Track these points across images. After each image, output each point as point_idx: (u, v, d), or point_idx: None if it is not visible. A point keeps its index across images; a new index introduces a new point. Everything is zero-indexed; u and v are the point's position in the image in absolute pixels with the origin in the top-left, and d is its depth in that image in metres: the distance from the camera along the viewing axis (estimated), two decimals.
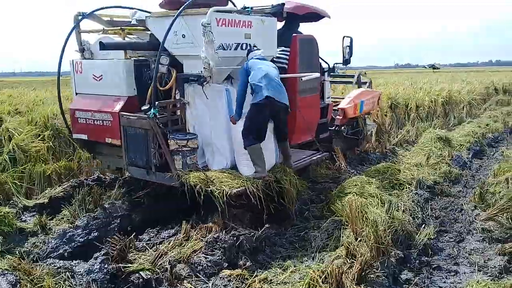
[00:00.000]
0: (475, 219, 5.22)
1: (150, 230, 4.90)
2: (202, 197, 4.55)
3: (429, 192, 6.03)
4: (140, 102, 5.34)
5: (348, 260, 3.78)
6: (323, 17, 7.04)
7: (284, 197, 5.13)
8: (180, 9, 4.95)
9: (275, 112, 5.03)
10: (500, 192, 5.67)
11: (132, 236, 4.24)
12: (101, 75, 5.60)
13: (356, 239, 4.17)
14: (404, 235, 4.49)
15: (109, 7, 6.19)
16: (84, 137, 5.81)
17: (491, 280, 3.80)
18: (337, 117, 7.48)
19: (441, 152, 7.89)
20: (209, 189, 4.58)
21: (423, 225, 4.86)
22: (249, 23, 5.44)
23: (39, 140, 7.50)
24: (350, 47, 7.53)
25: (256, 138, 4.91)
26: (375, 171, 6.52)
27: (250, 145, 4.89)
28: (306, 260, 4.20)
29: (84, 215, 5.07)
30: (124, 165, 5.37)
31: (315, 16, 6.93)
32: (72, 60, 5.93)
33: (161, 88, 5.26)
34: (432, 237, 4.68)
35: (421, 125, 10.96)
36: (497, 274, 3.98)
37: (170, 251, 4.01)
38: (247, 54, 5.27)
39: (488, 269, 4.10)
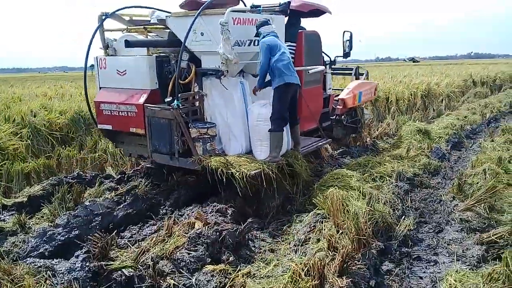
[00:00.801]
0: (454, 210, 5.32)
1: (132, 227, 4.87)
2: (223, 178, 5.06)
3: (409, 184, 6.12)
4: (161, 95, 5.90)
5: (330, 253, 3.82)
6: (324, 12, 7.56)
7: (295, 179, 5.77)
8: (200, 10, 5.44)
9: (291, 96, 5.61)
10: (477, 183, 5.79)
11: (113, 234, 4.20)
12: (125, 70, 6.13)
13: (338, 231, 4.21)
14: (384, 227, 4.56)
15: (129, 7, 6.69)
16: (109, 127, 6.34)
17: (470, 269, 3.89)
18: (338, 107, 8.00)
19: (420, 145, 8.03)
20: (230, 171, 5.11)
21: (403, 217, 4.94)
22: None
23: (17, 138, 7.37)
24: (350, 41, 8.08)
25: (283, 124, 5.56)
26: (356, 164, 6.61)
27: (276, 131, 5.48)
28: (289, 254, 4.23)
29: (64, 213, 4.99)
30: (148, 152, 5.90)
31: (317, 12, 7.45)
32: (96, 57, 6.43)
33: (181, 82, 5.75)
34: (412, 228, 4.77)
35: (401, 118, 11.09)
36: (475, 263, 4.07)
37: (152, 247, 3.99)
38: (259, 27, 5.71)
39: (467, 258, 4.19)
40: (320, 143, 6.81)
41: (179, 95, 5.45)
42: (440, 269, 4.07)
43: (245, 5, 6.50)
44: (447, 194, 5.89)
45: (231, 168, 5.16)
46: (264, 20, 5.77)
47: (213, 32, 5.49)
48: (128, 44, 5.79)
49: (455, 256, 4.24)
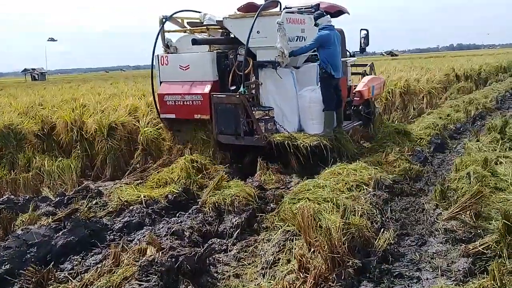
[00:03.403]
0: (437, 219, 5.45)
1: (74, 258, 4.76)
2: (290, 149, 7.27)
3: (388, 192, 6.23)
4: (220, 85, 8.05)
5: (302, 275, 3.86)
6: (344, 13, 9.50)
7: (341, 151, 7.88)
8: (258, 12, 7.49)
9: (335, 84, 7.96)
10: (462, 188, 5.94)
11: (51, 266, 4.11)
12: (188, 65, 8.18)
13: (310, 250, 4.26)
14: (362, 242, 4.61)
15: (182, 11, 9.21)
16: (172, 116, 8.41)
17: (456, 285, 3.99)
18: (355, 98, 9.71)
19: (400, 148, 8.20)
20: (295, 143, 7.26)
21: (382, 230, 5.01)
22: (303, 20, 8.18)
23: None
24: (366, 38, 9.99)
25: (332, 104, 7.83)
26: (330, 173, 6.68)
27: (328, 110, 7.84)
28: (256, 278, 4.24)
29: None
30: (214, 135, 7.98)
31: (339, 12, 9.36)
32: (158, 55, 8.53)
33: (240, 73, 7.77)
34: (392, 242, 4.84)
35: (379, 119, 11.31)
36: (462, 278, 4.16)
37: (97, 280, 3.92)
38: (316, 18, 7.89)
39: (452, 273, 4.29)
40: (355, 124, 9.51)
41: (246, 82, 7.55)
42: (423, 287, 4.15)
43: (280, 8, 8.46)
44: (429, 202, 6.04)
45: (297, 140, 7.28)
46: (320, 12, 7.92)
47: (268, 31, 7.54)
48: (196, 42, 7.90)
49: (439, 271, 4.34)
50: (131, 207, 5.88)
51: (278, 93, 7.88)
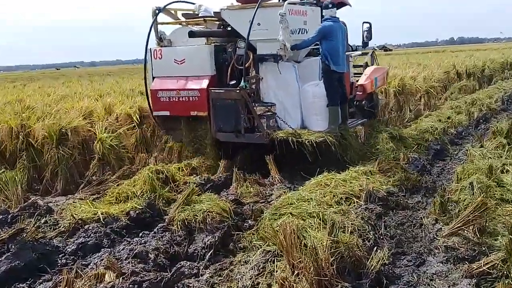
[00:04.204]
0: (437, 235, 5.53)
1: (19, 286, 4.70)
2: (294, 146, 7.78)
3: (381, 205, 6.29)
4: (218, 80, 8.54)
5: None
6: (346, 5, 10.08)
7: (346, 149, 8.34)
8: (258, 3, 7.92)
9: (338, 78, 8.56)
10: (464, 200, 6.04)
11: None
12: (184, 59, 8.65)
13: (293, 272, 4.27)
14: (352, 262, 4.65)
15: (177, 1, 9.63)
16: (166, 113, 8.88)
17: None
18: (358, 93, 10.31)
19: (395, 155, 8.30)
20: (300, 139, 7.79)
21: (376, 248, 5.05)
22: (305, 11, 8.83)
23: None
24: (369, 31, 10.67)
25: (336, 99, 8.43)
26: (316, 184, 6.73)
27: (332, 105, 8.38)
28: None
29: None
30: (213, 132, 8.46)
31: (341, 4, 9.80)
32: (150, 48, 9.01)
33: (239, 67, 8.36)
34: (386, 262, 4.87)
35: (371, 123, 11.43)
36: None
37: None
38: (322, 9, 8.84)
39: None
40: (360, 121, 10.00)
41: (246, 77, 8.10)
42: None
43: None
44: (428, 216, 6.12)
45: (302, 137, 7.81)
46: (326, 4, 8.58)
47: (269, 22, 8.05)
48: (193, 34, 8.38)
49: None
50: (86, 226, 5.82)
51: (280, 88, 8.45)
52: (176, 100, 8.62)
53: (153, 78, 9.12)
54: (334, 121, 8.46)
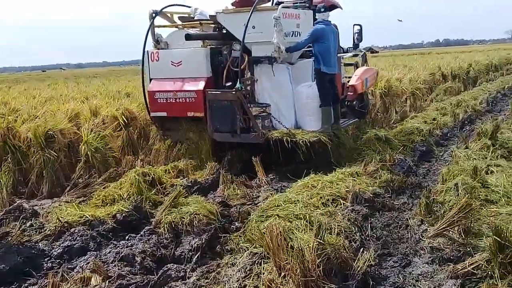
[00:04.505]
0: (422, 236, 5.57)
1: None
2: (289, 145, 8.05)
3: (368, 207, 6.31)
4: (214, 82, 8.87)
5: None
6: (337, 7, 10.24)
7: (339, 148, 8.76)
8: (253, 6, 8.24)
9: (330, 79, 8.94)
10: (449, 201, 6.09)
11: None
12: (180, 61, 8.97)
13: (280, 274, 4.28)
14: (339, 264, 4.66)
15: (173, 5, 9.96)
16: (163, 114, 9.21)
17: None
18: (349, 93, 10.34)
19: (381, 156, 8.34)
20: (294, 139, 8.04)
21: (362, 249, 5.07)
22: (298, 15, 9.16)
23: None
24: (360, 33, 10.91)
25: (328, 100, 8.79)
26: (303, 186, 6.75)
27: (324, 106, 8.75)
28: None
29: None
30: (209, 133, 8.74)
31: (332, 7, 9.92)
32: (147, 51, 9.31)
33: (234, 69, 8.68)
34: (373, 263, 4.89)
35: (357, 124, 11.49)
36: None
37: None
38: (315, 12, 9.20)
39: None
40: (351, 121, 10.40)
41: (242, 78, 8.39)
42: None
43: (272, 3, 9.59)
44: (414, 217, 6.16)
45: (296, 136, 8.07)
46: (319, 7, 8.94)
47: (263, 26, 8.34)
48: (190, 37, 8.66)
49: None
50: (72, 230, 5.78)
51: (274, 90, 8.76)
52: (173, 101, 8.93)
53: (151, 79, 9.39)
54: (327, 121, 8.80)
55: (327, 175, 7.27)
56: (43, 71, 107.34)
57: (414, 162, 8.86)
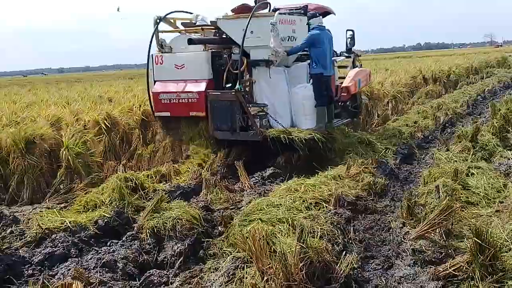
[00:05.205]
0: (404, 238, 5.60)
1: None
2: (286, 142, 8.65)
3: (350, 210, 6.35)
4: (215, 83, 9.40)
5: None
6: (330, 13, 11.36)
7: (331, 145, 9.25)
8: (252, 13, 8.88)
9: (325, 81, 9.53)
10: (431, 203, 6.15)
11: None
12: (183, 64, 9.55)
13: (263, 278, 4.28)
14: (321, 267, 4.66)
15: (176, 12, 10.72)
16: (167, 114, 9.76)
17: None
18: (342, 94, 10.96)
19: (363, 160, 8.38)
20: (290, 137, 8.63)
21: (345, 252, 5.09)
22: (294, 21, 9.76)
23: None
24: (352, 38, 11.66)
25: (323, 100, 9.43)
26: (286, 189, 6.76)
27: (320, 105, 9.42)
28: None
29: None
30: (211, 131, 9.25)
31: (325, 13, 11.04)
32: (152, 55, 9.93)
33: (234, 71, 9.21)
34: (355, 266, 4.91)
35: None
36: None
37: None
38: (309, 18, 9.95)
39: None
40: (345, 121, 10.84)
41: (241, 80, 9.01)
42: None
43: (269, 10, 10.03)
44: (396, 220, 6.19)
45: (292, 134, 8.66)
46: (313, 13, 9.98)
47: (261, 31, 8.95)
48: (192, 41, 9.32)
49: None
50: (53, 236, 5.71)
51: (271, 91, 9.45)
52: (176, 102, 9.47)
53: (155, 81, 9.97)
54: (321, 120, 9.47)
55: (310, 178, 7.29)
56: (24, 76, 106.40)
57: (396, 165, 8.92)
